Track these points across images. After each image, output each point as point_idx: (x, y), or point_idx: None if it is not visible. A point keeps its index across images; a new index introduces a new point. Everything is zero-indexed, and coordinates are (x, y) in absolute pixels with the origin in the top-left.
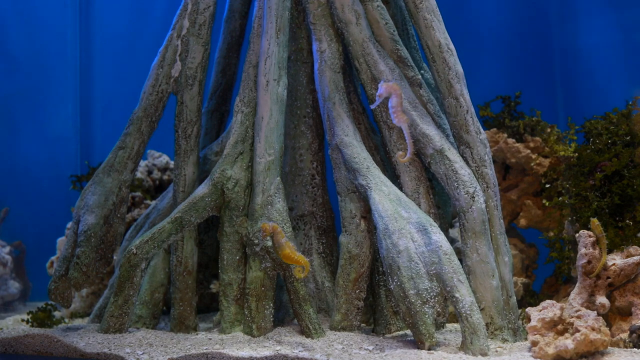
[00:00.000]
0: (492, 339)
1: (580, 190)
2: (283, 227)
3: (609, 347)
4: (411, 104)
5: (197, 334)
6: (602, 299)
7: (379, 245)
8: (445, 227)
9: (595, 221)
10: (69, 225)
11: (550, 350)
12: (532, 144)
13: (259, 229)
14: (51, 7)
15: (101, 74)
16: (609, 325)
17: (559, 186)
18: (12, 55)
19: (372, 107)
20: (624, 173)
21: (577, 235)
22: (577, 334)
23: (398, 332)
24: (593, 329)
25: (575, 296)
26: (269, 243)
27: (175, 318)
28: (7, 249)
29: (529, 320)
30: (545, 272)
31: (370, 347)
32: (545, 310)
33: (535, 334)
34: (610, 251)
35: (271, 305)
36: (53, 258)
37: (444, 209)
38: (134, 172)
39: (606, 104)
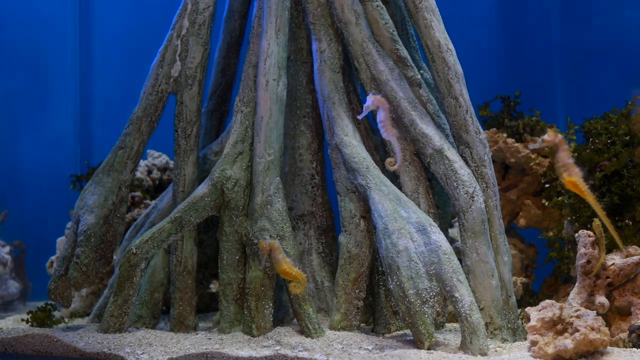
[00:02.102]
0: (491, 338)
1: None
2: (283, 226)
3: (608, 347)
4: (411, 104)
5: (196, 334)
6: (601, 299)
7: (378, 245)
8: (444, 227)
9: (597, 221)
10: (69, 225)
11: (550, 350)
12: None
13: (259, 229)
14: (51, 7)
15: (101, 74)
16: (609, 325)
17: (558, 186)
18: (12, 55)
19: (359, 117)
20: (623, 173)
21: (576, 235)
22: (577, 334)
23: (397, 332)
24: (592, 329)
25: (575, 296)
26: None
27: (175, 318)
28: (7, 248)
29: (529, 320)
30: (544, 272)
31: (370, 347)
32: (545, 310)
33: (535, 334)
34: (609, 251)
35: (271, 305)
36: (53, 258)
37: (444, 208)
38: (133, 172)
39: (606, 104)
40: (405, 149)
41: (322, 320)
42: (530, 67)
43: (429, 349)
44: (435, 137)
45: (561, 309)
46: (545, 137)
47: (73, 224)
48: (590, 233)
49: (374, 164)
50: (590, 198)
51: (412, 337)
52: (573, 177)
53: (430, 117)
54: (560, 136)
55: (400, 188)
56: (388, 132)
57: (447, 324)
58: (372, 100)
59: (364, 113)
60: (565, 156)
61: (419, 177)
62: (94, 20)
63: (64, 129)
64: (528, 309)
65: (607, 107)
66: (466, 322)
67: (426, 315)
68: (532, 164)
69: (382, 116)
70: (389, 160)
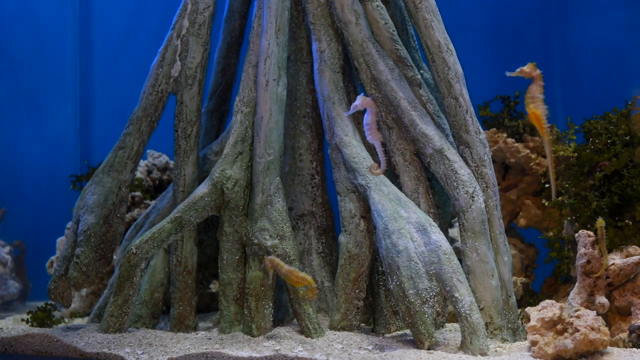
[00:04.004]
0: (491, 338)
1: (579, 190)
2: (283, 226)
3: (608, 347)
4: (411, 104)
5: (196, 334)
6: (601, 299)
7: (378, 245)
8: (444, 227)
9: (600, 222)
10: (69, 225)
11: (550, 350)
12: (531, 144)
13: (259, 229)
14: (51, 7)
15: (101, 74)
16: (609, 325)
17: (558, 186)
18: (12, 55)
19: (345, 114)
20: (623, 173)
21: (576, 235)
22: (577, 334)
23: (397, 332)
24: (592, 329)
25: (575, 296)
26: (269, 243)
27: (175, 318)
28: (7, 248)
29: (529, 320)
30: (544, 272)
31: (370, 347)
32: (545, 310)
33: (535, 334)
34: (609, 251)
35: (271, 304)
36: (53, 258)
37: (444, 208)
38: (133, 172)
39: (606, 104)
40: (405, 149)
41: (322, 320)
42: None
43: (429, 349)
44: (435, 137)
45: (561, 309)
46: (525, 68)
47: (73, 224)
48: (591, 233)
49: (375, 163)
50: (547, 137)
51: (412, 337)
52: (538, 110)
53: (430, 117)
54: (538, 71)
55: (400, 188)
56: (373, 136)
57: (447, 324)
58: (361, 100)
59: (351, 111)
60: (537, 90)
61: (419, 177)
62: (94, 20)
63: (64, 129)
64: (528, 309)
65: (607, 107)
66: (466, 322)
67: (426, 315)
68: (532, 164)
69: (368, 119)
70: (373, 165)
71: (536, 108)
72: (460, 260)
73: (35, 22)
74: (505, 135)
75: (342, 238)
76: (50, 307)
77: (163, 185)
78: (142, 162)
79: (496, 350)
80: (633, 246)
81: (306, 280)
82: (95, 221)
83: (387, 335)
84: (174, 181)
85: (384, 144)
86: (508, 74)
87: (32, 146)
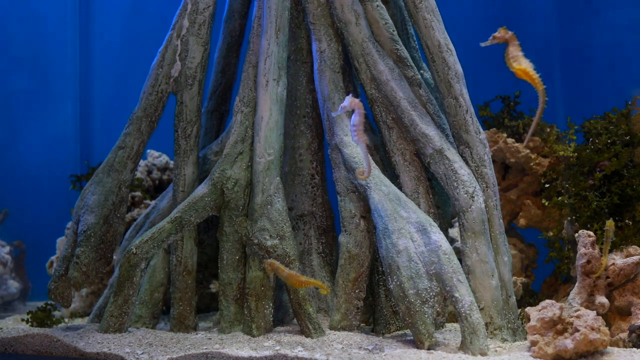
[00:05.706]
0: (491, 338)
1: (579, 190)
2: (283, 226)
3: (608, 347)
4: (411, 104)
5: (196, 334)
6: (601, 299)
7: (378, 245)
8: (444, 227)
9: (610, 223)
10: (69, 225)
11: (550, 350)
12: (531, 144)
13: (259, 229)
14: (51, 7)
15: (101, 74)
16: (609, 325)
17: (558, 186)
18: (12, 55)
19: (333, 115)
20: (623, 173)
21: (576, 235)
22: (577, 334)
23: (397, 332)
24: (592, 329)
25: (575, 296)
26: (269, 243)
27: (175, 318)
28: (7, 248)
29: (529, 319)
30: (544, 272)
31: (370, 347)
32: (545, 310)
33: (535, 334)
34: (609, 251)
35: (271, 304)
36: (53, 258)
37: (444, 208)
38: (133, 172)
39: (606, 103)
40: (405, 149)
41: (322, 320)
42: None
43: (428, 348)
44: (435, 137)
45: (561, 309)
46: (496, 34)
47: (73, 224)
48: (591, 233)
49: (374, 163)
50: (540, 87)
51: (412, 337)
52: (522, 65)
53: (430, 117)
54: (510, 33)
55: (400, 188)
56: (359, 138)
57: (447, 324)
58: (349, 102)
59: (339, 111)
60: (515, 50)
61: (419, 177)
62: (94, 20)
63: (64, 129)
64: (528, 309)
65: (607, 107)
66: (466, 322)
67: (426, 315)
68: (532, 164)
69: (355, 120)
70: (359, 170)
71: (520, 64)
72: (460, 260)
73: (35, 22)
74: (505, 135)
75: (342, 238)
76: (50, 307)
77: (163, 185)
78: (142, 162)
79: (496, 350)
80: (633, 246)
81: (310, 283)
82: (95, 221)
83: (387, 335)
84: (174, 181)
85: (369, 147)
86: (482, 44)
87: (32, 146)
